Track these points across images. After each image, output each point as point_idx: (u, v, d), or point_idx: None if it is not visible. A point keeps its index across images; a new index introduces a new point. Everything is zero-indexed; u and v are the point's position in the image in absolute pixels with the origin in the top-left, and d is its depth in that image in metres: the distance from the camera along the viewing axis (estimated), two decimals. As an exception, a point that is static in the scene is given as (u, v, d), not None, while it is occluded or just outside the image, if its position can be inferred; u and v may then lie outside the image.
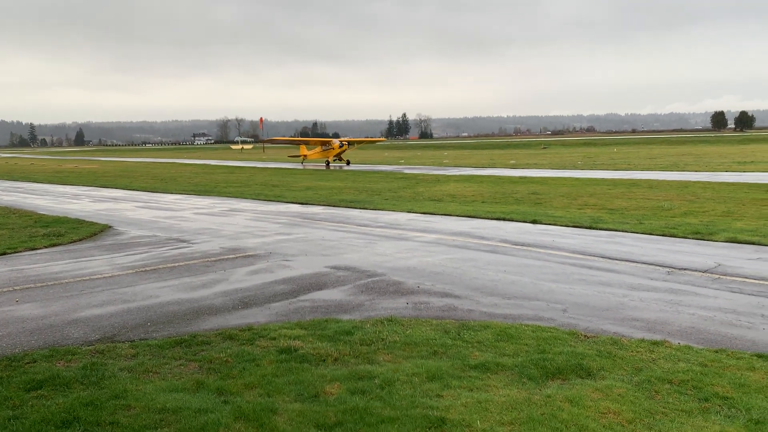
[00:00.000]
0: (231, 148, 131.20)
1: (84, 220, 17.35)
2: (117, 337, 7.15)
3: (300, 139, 60.81)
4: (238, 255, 12.07)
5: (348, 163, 48.49)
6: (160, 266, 11.09)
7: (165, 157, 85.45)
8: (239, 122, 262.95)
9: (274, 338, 6.84)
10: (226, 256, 11.96)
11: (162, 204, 23.12)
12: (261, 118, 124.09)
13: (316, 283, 9.64)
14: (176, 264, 11.28)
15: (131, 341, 6.95)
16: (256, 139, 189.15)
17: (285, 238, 14.06)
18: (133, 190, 30.25)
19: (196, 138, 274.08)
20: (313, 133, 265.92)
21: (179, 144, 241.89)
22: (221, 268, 10.89)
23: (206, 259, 11.67)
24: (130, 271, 10.69)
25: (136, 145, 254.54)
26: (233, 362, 6.18)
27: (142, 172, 45.79)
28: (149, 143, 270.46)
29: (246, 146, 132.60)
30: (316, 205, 21.24)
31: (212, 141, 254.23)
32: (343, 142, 48.72)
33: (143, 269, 10.85)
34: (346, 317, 7.71)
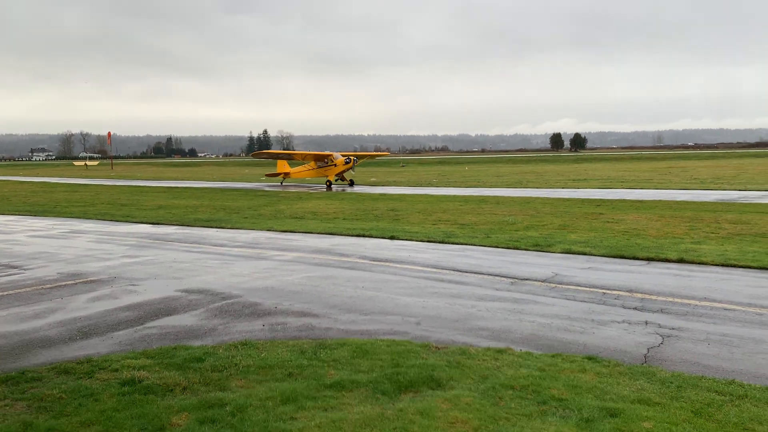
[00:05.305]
0: (74, 165, 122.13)
1: None
2: (-74, 379, 6.28)
3: (289, 152, 48.61)
4: (79, 281, 11.16)
5: (352, 183, 39.58)
6: (-15, 296, 9.95)
7: (-4, 174, 77.33)
8: (84, 137, 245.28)
9: (117, 369, 6.36)
10: (64, 282, 11.00)
11: (-10, 226, 20.83)
12: (109, 133, 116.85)
13: (166, 308, 9.13)
14: (4, 293, 10.18)
15: (-56, 383, 6.14)
16: (104, 155, 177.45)
17: (132, 261, 13.22)
18: (-45, 211, 27.01)
19: (35, 153, 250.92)
20: (168, 149, 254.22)
21: (14, 160, 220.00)
22: (58, 295, 9.99)
23: (41, 287, 10.66)
24: (-53, 303, 9.48)
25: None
26: (68, 398, 5.66)
27: (-34, 191, 41.06)
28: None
29: (91, 162, 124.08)
30: (168, 225, 20.24)
31: (53, 157, 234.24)
32: (350, 158, 39.35)
33: (-37, 300, 9.67)
34: (197, 343, 7.37)
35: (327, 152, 42.92)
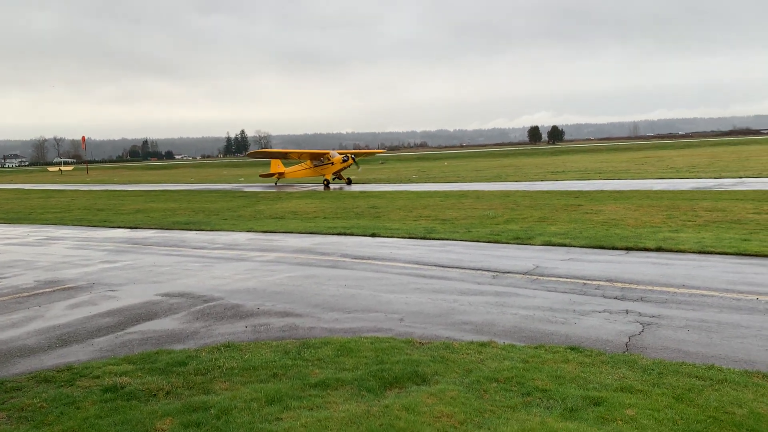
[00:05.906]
0: (48, 170, 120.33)
1: None
2: None
3: (285, 151, 45.70)
4: (57, 288, 11.00)
5: (349, 182, 39.00)
6: (-40, 307, 9.76)
7: (-32, 182, 75.86)
8: (58, 142, 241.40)
9: (98, 376, 6.28)
10: (41, 290, 10.83)
11: (-37, 235, 20.44)
12: (83, 137, 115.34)
13: (146, 312, 9.04)
14: (-20, 303, 9.99)
15: None
16: (78, 160, 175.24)
17: (111, 267, 13.06)
18: (-73, 220, 26.45)
19: (7, 160, 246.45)
20: (144, 152, 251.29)
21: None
22: (36, 303, 9.84)
23: (17, 295, 10.49)
24: None
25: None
26: (49, 407, 5.58)
27: (-62, 200, 40.21)
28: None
29: (65, 167, 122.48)
30: (146, 229, 20.03)
31: (26, 163, 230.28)
32: (348, 156, 38.47)
33: (-62, 312, 9.47)
34: (179, 347, 7.30)
35: (324, 150, 41.97)
